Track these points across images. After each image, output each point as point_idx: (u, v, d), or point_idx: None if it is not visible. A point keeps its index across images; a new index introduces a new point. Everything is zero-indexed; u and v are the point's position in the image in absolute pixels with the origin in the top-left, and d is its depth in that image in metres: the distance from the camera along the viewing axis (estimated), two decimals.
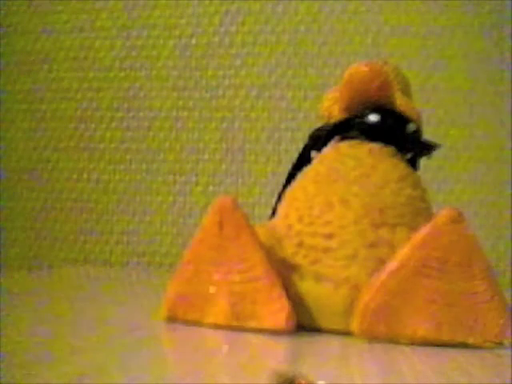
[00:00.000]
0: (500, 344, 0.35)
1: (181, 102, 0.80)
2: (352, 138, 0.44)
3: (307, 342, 0.35)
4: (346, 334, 0.36)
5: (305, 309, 0.38)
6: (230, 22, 0.78)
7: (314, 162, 0.44)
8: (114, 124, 0.81)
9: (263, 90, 0.77)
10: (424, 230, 0.36)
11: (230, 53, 0.78)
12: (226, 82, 0.78)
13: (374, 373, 0.29)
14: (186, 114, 0.79)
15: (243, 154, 0.78)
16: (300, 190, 0.42)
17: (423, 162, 0.47)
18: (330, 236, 0.39)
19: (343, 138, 0.44)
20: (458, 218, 0.36)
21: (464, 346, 0.35)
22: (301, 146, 0.48)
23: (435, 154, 0.46)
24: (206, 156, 0.79)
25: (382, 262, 0.37)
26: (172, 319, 0.39)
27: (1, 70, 0.84)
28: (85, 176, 0.82)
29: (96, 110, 0.82)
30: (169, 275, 0.42)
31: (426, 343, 0.35)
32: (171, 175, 0.80)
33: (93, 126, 0.82)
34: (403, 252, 0.36)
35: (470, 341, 0.35)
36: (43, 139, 0.83)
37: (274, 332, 0.36)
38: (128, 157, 0.81)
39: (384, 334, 0.35)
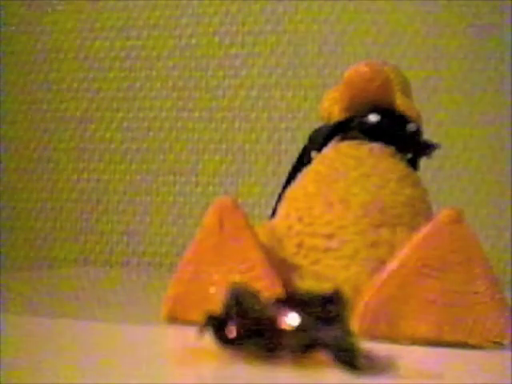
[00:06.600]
0: (500, 344, 0.35)
1: (181, 102, 0.80)
2: (352, 138, 0.44)
3: None
4: None
5: None
6: (230, 22, 0.78)
7: (314, 162, 0.44)
8: (114, 124, 0.81)
9: (263, 90, 0.77)
10: (424, 230, 0.36)
11: (230, 53, 0.78)
12: (226, 82, 0.78)
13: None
14: (186, 114, 0.79)
15: (243, 154, 0.78)
16: (300, 190, 0.42)
17: (423, 162, 0.47)
18: (330, 236, 0.39)
19: (343, 138, 0.44)
20: (458, 218, 0.36)
21: (464, 345, 0.35)
22: (301, 146, 0.48)
23: (435, 154, 0.46)
24: (206, 156, 0.79)
25: (382, 262, 0.37)
26: (172, 319, 0.39)
27: (1, 70, 0.84)
28: (85, 176, 0.82)
29: (96, 110, 0.82)
30: (169, 275, 0.42)
31: (426, 343, 0.35)
32: (171, 175, 0.80)
33: (93, 126, 0.82)
34: (403, 252, 0.36)
35: (470, 341, 0.35)
36: (43, 139, 0.83)
37: None
38: (128, 157, 0.81)
39: (384, 334, 0.35)
